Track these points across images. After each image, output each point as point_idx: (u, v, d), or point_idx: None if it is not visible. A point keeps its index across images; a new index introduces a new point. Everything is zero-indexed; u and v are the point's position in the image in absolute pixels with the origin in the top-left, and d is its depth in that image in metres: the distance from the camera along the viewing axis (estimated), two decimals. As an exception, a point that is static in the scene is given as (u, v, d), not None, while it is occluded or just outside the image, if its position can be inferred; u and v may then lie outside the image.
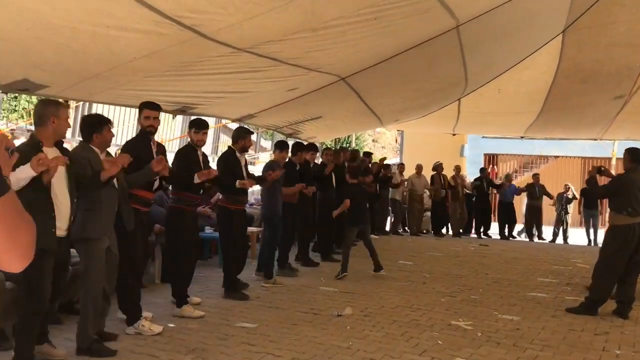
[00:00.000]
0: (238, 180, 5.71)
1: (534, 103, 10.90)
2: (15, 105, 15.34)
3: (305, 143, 9.05)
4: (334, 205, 8.65)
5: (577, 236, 13.61)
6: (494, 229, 13.71)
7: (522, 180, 17.62)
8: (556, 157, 20.21)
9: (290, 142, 9.11)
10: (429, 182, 13.04)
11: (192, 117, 6.71)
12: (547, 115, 11.34)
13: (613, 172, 8.10)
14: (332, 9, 4.43)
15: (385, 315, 5.49)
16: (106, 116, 4.45)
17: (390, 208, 12.93)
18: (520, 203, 14.57)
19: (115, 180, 4.13)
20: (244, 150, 6.17)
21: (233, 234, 5.99)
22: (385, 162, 12.79)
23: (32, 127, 4.07)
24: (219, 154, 11.98)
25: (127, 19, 3.48)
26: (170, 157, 5.69)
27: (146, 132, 4.77)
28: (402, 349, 4.50)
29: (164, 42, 4.06)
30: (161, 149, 4.96)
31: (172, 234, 5.54)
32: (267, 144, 19.30)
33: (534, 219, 13.51)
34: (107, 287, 4.31)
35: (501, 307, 6.06)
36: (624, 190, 5.85)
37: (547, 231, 13.85)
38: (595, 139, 13.92)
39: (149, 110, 4.77)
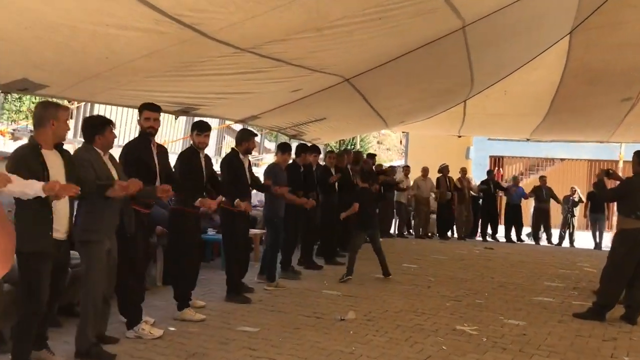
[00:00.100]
0: (236, 201, 5.64)
1: (540, 105, 10.80)
2: (20, 106, 15.32)
3: (309, 144, 8.97)
4: (336, 209, 8.60)
5: (584, 239, 13.49)
6: (501, 232, 13.58)
7: (528, 182, 17.47)
8: (562, 159, 20.06)
9: (294, 144, 9.06)
10: (435, 184, 12.93)
11: (195, 119, 6.66)
12: (553, 117, 11.24)
13: (621, 175, 7.98)
14: (337, 8, 4.36)
15: (389, 320, 5.41)
16: (108, 117, 4.41)
17: (395, 210, 12.84)
18: (528, 206, 14.43)
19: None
20: (248, 152, 6.12)
21: (236, 236, 5.93)
22: (391, 164, 12.71)
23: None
24: (223, 155, 11.94)
25: (126, 17, 3.41)
26: (172, 159, 5.64)
27: (146, 134, 4.71)
28: (406, 354, 4.42)
29: (165, 42, 3.99)
30: (162, 151, 4.90)
31: (173, 236, 5.51)
32: (271, 145, 19.24)
33: (541, 222, 13.39)
34: (106, 290, 4.26)
35: (507, 312, 5.97)
36: (633, 194, 5.75)
37: (554, 234, 13.72)
38: (602, 142, 13.81)
39: (149, 111, 4.72)
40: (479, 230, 13.63)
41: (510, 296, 6.80)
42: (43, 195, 3.26)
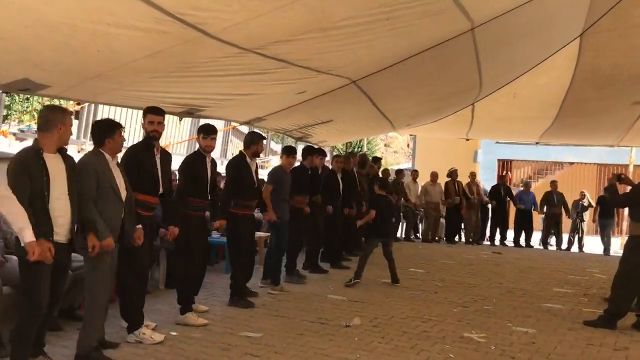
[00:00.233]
0: (218, 221, 5.71)
1: (549, 108, 10.66)
2: (27, 107, 15.36)
3: (316, 147, 8.88)
4: (340, 212, 8.52)
5: (593, 244, 13.32)
6: (510, 236, 13.43)
7: (536, 186, 17.29)
8: (571, 163, 19.91)
9: (301, 146, 8.98)
10: (443, 189, 12.80)
11: (200, 121, 6.60)
12: (563, 120, 11.10)
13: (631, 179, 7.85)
14: (342, 8, 4.27)
15: (395, 326, 5.30)
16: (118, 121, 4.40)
17: (402, 214, 12.74)
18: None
19: (121, 194, 4.07)
20: (256, 155, 6.04)
21: (240, 240, 5.86)
22: (398, 167, 12.65)
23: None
24: (228, 156, 11.89)
25: (127, 16, 3.34)
26: (178, 161, 5.58)
27: (150, 138, 4.66)
28: (411, 362, 4.32)
29: (167, 41, 3.92)
30: (165, 155, 4.83)
31: (179, 240, 5.43)
32: (278, 147, 19.20)
33: (552, 227, 13.23)
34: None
35: (515, 319, 5.85)
36: (646, 199, 5.62)
37: (563, 239, 13.56)
38: (613, 146, 13.64)
39: (153, 115, 4.67)
40: (487, 234, 13.50)
41: (519, 302, 6.68)
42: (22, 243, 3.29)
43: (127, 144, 6.54)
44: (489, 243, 13.21)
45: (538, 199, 13.32)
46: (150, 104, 4.90)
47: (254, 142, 5.96)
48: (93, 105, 8.35)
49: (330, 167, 9.21)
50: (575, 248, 13.15)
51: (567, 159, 19.53)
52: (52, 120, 3.56)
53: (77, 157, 4.09)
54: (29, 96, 12.66)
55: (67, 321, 4.69)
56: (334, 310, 5.82)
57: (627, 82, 9.07)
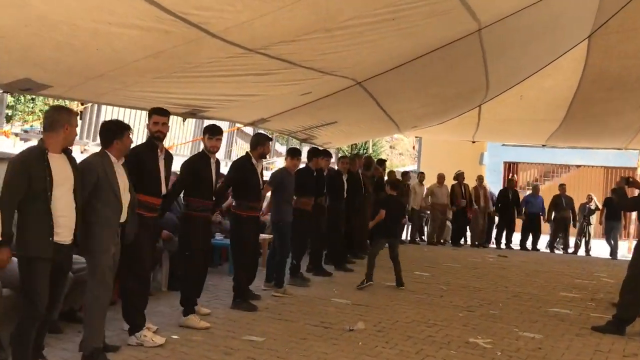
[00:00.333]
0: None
1: (557, 110, 10.58)
2: (32, 107, 15.35)
3: (321, 148, 8.81)
4: (343, 214, 8.46)
5: (600, 248, 13.19)
6: (516, 239, 13.33)
7: (542, 189, 17.18)
8: (578, 166, 19.78)
9: (306, 148, 8.92)
10: (450, 191, 12.72)
11: (205, 122, 6.55)
12: (570, 122, 11.01)
13: None
14: (347, 8, 4.21)
15: (399, 331, 5.23)
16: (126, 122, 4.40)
17: (407, 216, 12.66)
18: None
19: (122, 196, 4.04)
20: (262, 157, 6.00)
21: (244, 242, 5.81)
22: (404, 169, 12.59)
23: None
24: (233, 158, 11.84)
25: (128, 15, 3.29)
26: (180, 161, 5.54)
27: (154, 138, 4.63)
28: (416, 368, 4.25)
29: (170, 41, 3.87)
30: (168, 156, 4.79)
31: (180, 240, 5.44)
32: (283, 149, 19.14)
33: (560, 231, 13.11)
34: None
35: (522, 324, 5.76)
36: (655, 203, 5.54)
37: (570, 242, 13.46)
38: (620, 149, 13.53)
39: (158, 116, 4.65)
40: (493, 237, 13.40)
41: (525, 307, 6.59)
42: None
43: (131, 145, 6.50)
44: (494, 246, 13.11)
45: (546, 203, 13.20)
46: (154, 104, 4.86)
47: (260, 144, 5.91)
48: (96, 105, 8.31)
49: (336, 167, 9.15)
50: (582, 251, 13.03)
51: (574, 162, 19.41)
52: (59, 121, 3.56)
53: (79, 158, 4.07)
54: (34, 97, 12.65)
55: (67, 323, 4.63)
56: (338, 314, 5.75)
57: (636, 84, 8.98)
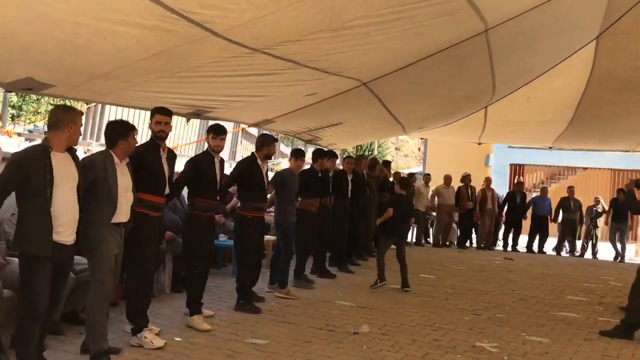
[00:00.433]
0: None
1: (564, 112, 10.49)
2: (38, 108, 15.38)
3: (326, 150, 8.76)
4: (348, 215, 8.40)
5: (607, 251, 13.08)
6: (523, 242, 13.23)
7: (549, 192, 17.10)
8: (585, 168, 19.64)
9: (311, 149, 8.87)
10: (456, 193, 12.63)
11: (210, 122, 6.51)
12: (577, 124, 10.91)
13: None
14: (353, 7, 4.14)
15: (404, 334, 5.16)
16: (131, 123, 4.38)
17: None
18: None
19: (119, 196, 4.00)
20: (268, 157, 5.95)
21: (248, 243, 5.76)
22: (409, 170, 12.53)
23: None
24: (237, 159, 11.80)
25: (130, 13, 3.24)
26: (183, 161, 5.49)
27: (156, 138, 4.60)
28: (422, 373, 4.19)
29: (173, 40, 3.82)
30: (171, 156, 4.75)
31: (184, 240, 5.39)
32: (288, 150, 19.09)
33: (568, 234, 13.01)
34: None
35: (529, 328, 5.69)
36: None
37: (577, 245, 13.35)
38: (628, 151, 13.41)
39: (161, 115, 4.61)
40: (499, 239, 13.31)
41: (532, 310, 6.52)
42: None
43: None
44: (501, 249, 13.02)
45: (553, 206, 13.10)
46: (157, 104, 4.82)
47: (265, 144, 5.87)
48: (100, 105, 8.28)
49: (341, 167, 9.10)
50: (588, 254, 12.92)
51: (581, 164, 19.28)
52: (63, 120, 3.54)
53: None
54: (39, 97, 12.65)
55: (69, 325, 4.59)
56: (342, 316, 5.70)
57: (644, 86, 8.88)
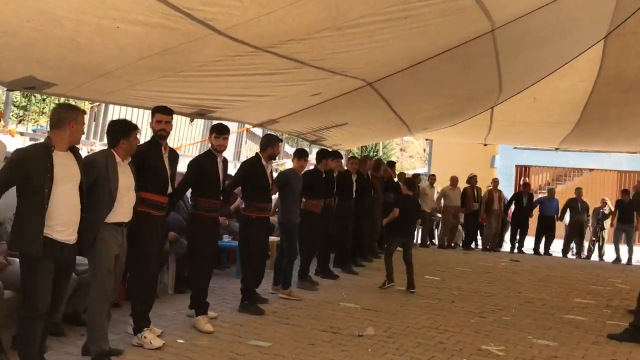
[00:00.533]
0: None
1: (571, 113, 10.40)
2: (44, 108, 15.40)
3: (330, 150, 8.70)
4: (352, 215, 8.34)
5: (614, 253, 12.95)
6: (529, 244, 13.13)
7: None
8: (591, 170, 19.51)
9: (315, 149, 8.81)
10: (462, 194, 12.55)
11: (213, 122, 6.47)
12: (584, 125, 10.82)
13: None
14: (359, 5, 4.09)
15: (410, 337, 5.10)
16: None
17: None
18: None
19: (121, 196, 3.98)
20: (272, 158, 5.91)
21: (252, 243, 5.71)
22: (414, 171, 12.46)
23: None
24: (242, 159, 11.75)
25: (132, 10, 3.19)
26: (186, 161, 5.45)
27: (157, 136, 4.56)
28: (427, 376, 4.12)
29: (176, 38, 3.77)
30: (173, 155, 4.71)
31: (188, 241, 5.38)
32: (292, 150, 19.07)
33: (575, 236, 12.90)
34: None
35: (536, 331, 5.61)
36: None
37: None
38: (635, 152, 13.30)
39: (161, 114, 4.58)
40: (507, 239, 13.21)
41: (539, 313, 6.44)
42: None
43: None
44: (507, 250, 12.92)
45: (561, 207, 12.99)
46: (160, 104, 4.77)
47: (270, 145, 5.83)
48: (103, 105, 8.25)
49: (345, 168, 9.04)
50: (595, 256, 12.81)
51: (587, 166, 19.17)
52: (65, 118, 3.52)
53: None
54: (45, 97, 12.66)
55: (70, 326, 4.54)
56: (347, 318, 5.63)
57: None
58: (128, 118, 6.63)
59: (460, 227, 13.05)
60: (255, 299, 5.83)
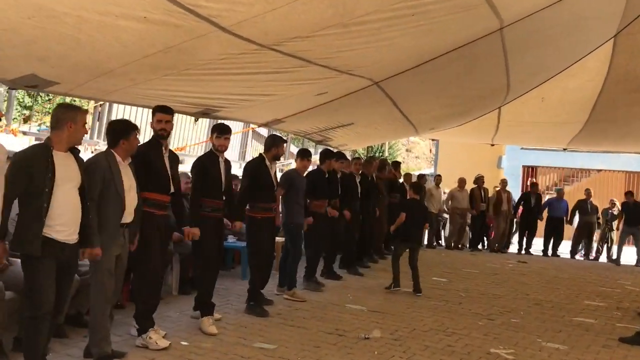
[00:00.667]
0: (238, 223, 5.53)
1: (579, 113, 10.29)
2: (50, 108, 15.41)
3: (335, 150, 8.63)
4: (358, 217, 8.26)
5: (623, 255, 12.81)
6: (538, 245, 13.01)
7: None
8: (599, 170, 19.36)
9: (320, 149, 8.73)
10: (469, 195, 12.44)
11: (218, 122, 6.42)
12: (593, 125, 10.70)
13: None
14: (365, 1, 4.02)
15: (417, 340, 5.01)
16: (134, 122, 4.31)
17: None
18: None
19: (125, 196, 3.95)
20: (276, 158, 5.86)
21: (259, 244, 5.66)
22: (420, 172, 12.38)
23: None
24: (247, 159, 11.70)
25: (135, 6, 3.13)
26: (190, 161, 5.40)
27: (158, 136, 4.51)
28: (435, 380, 4.04)
29: (180, 36, 3.71)
30: (173, 157, 4.67)
31: (193, 242, 5.26)
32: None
33: (584, 237, 12.76)
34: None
35: (545, 334, 5.52)
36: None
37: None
38: (645, 153, 13.18)
39: (162, 113, 4.54)
40: (516, 241, 13.10)
41: (548, 316, 6.34)
42: None
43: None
44: (515, 252, 12.80)
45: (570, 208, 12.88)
46: (164, 103, 4.73)
47: (274, 145, 5.78)
48: (107, 105, 8.22)
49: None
50: (603, 258, 12.67)
51: (595, 166, 19.01)
52: (63, 119, 3.49)
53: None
54: (50, 97, 12.64)
55: (73, 328, 4.49)
56: (353, 320, 5.56)
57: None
58: (132, 118, 6.57)
59: (467, 228, 12.94)
60: (261, 300, 5.77)
